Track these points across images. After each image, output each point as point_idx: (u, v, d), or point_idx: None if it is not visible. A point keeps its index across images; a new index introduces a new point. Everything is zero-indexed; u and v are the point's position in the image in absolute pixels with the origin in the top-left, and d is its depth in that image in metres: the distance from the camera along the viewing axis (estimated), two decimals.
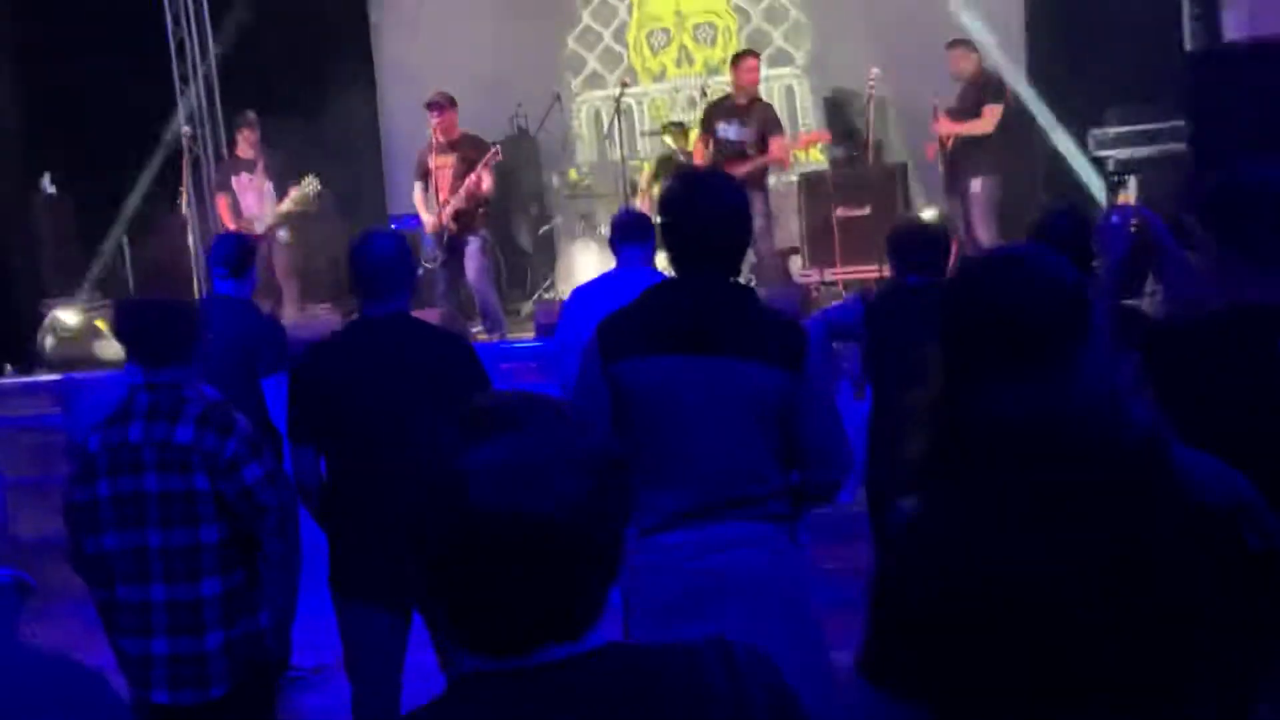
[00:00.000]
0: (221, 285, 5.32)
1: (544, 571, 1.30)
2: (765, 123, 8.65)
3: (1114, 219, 3.20)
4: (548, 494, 1.29)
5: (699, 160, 8.80)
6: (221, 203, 9.41)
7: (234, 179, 9.37)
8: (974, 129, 8.64)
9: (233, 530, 3.41)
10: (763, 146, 8.57)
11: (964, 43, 8.87)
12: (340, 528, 3.87)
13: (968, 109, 8.75)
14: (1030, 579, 1.62)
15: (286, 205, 9.10)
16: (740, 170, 8.05)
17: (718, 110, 8.83)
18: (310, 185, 9.02)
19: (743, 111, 8.66)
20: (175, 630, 3.38)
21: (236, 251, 5.34)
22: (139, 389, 3.45)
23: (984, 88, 8.73)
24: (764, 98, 9.21)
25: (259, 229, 9.03)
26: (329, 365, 3.86)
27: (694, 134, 9.21)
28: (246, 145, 9.35)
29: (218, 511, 3.37)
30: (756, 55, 9.03)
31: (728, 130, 8.62)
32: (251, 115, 9.37)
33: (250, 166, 9.32)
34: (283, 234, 9.32)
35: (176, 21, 11.71)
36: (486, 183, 8.57)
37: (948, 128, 8.77)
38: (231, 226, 9.05)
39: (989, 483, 1.69)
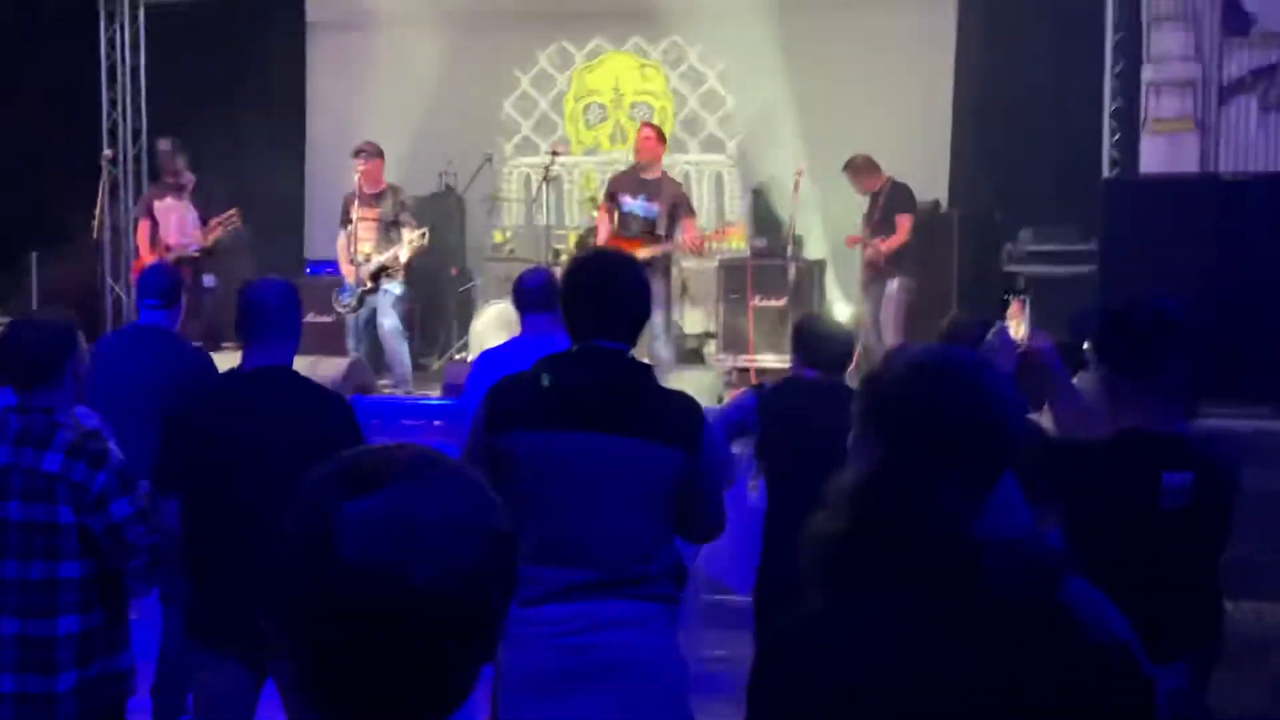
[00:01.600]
0: (150, 315, 5.20)
1: (414, 641, 1.17)
2: (675, 200, 8.43)
3: (1000, 336, 3.23)
4: (428, 556, 1.16)
5: (602, 230, 8.57)
6: (141, 228, 9.10)
7: (157, 203, 9.05)
8: (894, 244, 8.77)
9: (96, 567, 3.29)
10: (671, 224, 8.39)
11: (863, 159, 8.95)
12: (198, 577, 3.73)
13: (880, 221, 8.88)
14: (920, 703, 1.58)
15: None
16: (649, 251, 7.93)
17: (623, 181, 8.54)
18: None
19: (650, 186, 8.40)
20: (23, 667, 3.24)
21: (169, 281, 5.26)
22: (9, 411, 3.34)
23: (892, 198, 8.87)
24: (677, 180, 9.15)
25: (181, 255, 8.71)
26: (201, 413, 3.74)
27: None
28: (171, 170, 9.02)
29: (81, 547, 3.25)
30: (654, 127, 8.86)
31: (633, 204, 8.35)
32: (175, 140, 9.19)
33: (176, 192, 8.98)
34: (209, 279, 8.91)
35: (111, 44, 11.64)
36: (404, 257, 8.54)
37: (878, 248, 8.82)
38: (146, 253, 8.84)
39: (892, 593, 1.65)
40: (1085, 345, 3.53)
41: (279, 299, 3.76)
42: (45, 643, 3.24)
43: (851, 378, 4.62)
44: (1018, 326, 3.30)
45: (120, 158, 11.40)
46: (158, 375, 4.76)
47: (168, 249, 8.79)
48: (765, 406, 4.52)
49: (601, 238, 8.57)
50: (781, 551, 4.27)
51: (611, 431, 3.02)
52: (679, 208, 8.46)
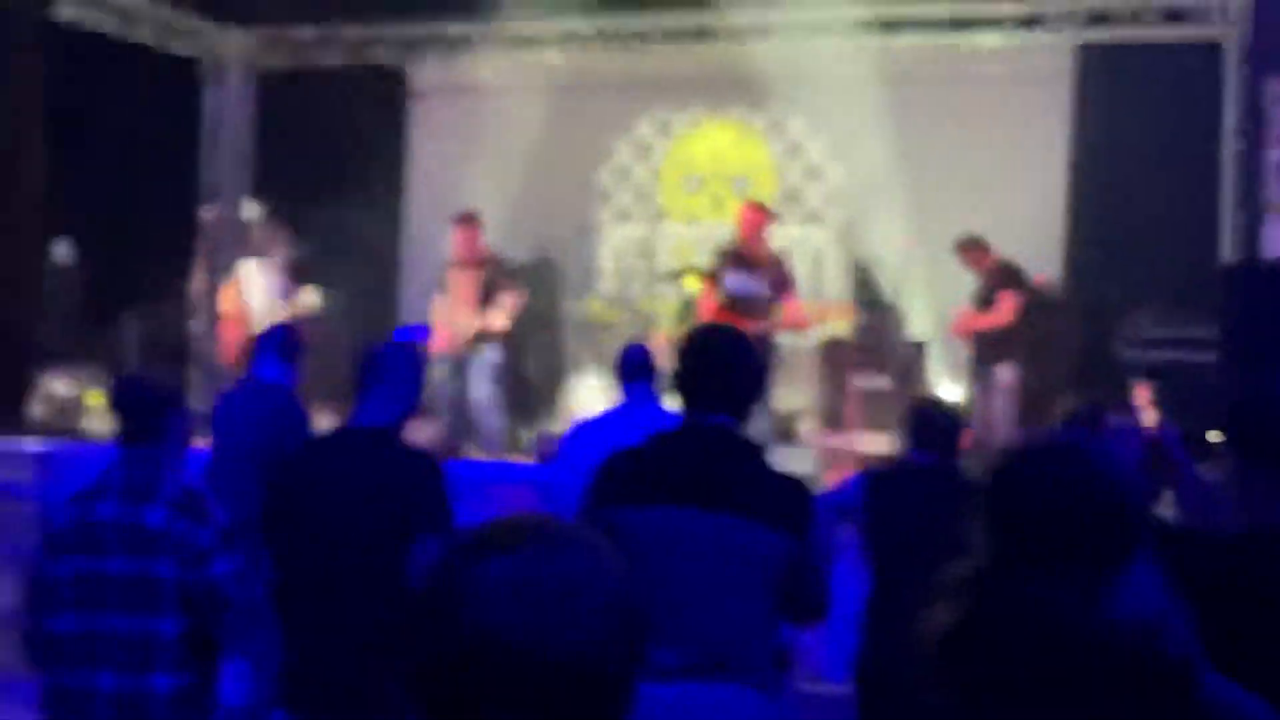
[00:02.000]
0: (267, 371, 5.49)
1: (546, 706, 1.15)
2: (777, 276, 8.31)
3: (1123, 423, 3.11)
4: (559, 622, 1.15)
5: (707, 306, 8.44)
6: (229, 290, 9.19)
7: (244, 267, 9.17)
8: (993, 321, 8.61)
9: (193, 624, 3.27)
10: (774, 300, 8.26)
11: (972, 240, 8.83)
12: (287, 636, 3.74)
13: (986, 301, 8.73)
14: None
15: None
16: (753, 328, 7.66)
17: (726, 259, 8.40)
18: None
19: (753, 263, 8.29)
20: None
21: (290, 340, 5.61)
22: (116, 466, 3.37)
23: (1001, 278, 8.71)
24: (780, 254, 8.96)
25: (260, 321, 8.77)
26: (300, 470, 3.85)
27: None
28: (263, 236, 9.18)
29: (180, 602, 3.24)
30: (758, 204, 8.73)
31: (736, 282, 8.24)
32: (267, 207, 9.30)
33: (263, 257, 9.10)
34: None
35: (214, 107, 11.83)
36: (498, 324, 8.48)
37: (966, 323, 8.78)
38: (230, 315, 8.95)
39: (1007, 683, 1.62)
40: (1211, 434, 3.42)
41: (394, 359, 3.87)
42: (140, 698, 3.24)
43: (965, 464, 4.50)
44: (1143, 413, 3.19)
45: (219, 220, 11.53)
46: (271, 431, 5.04)
47: (250, 313, 8.82)
48: (873, 490, 4.45)
49: (707, 311, 8.45)
50: (885, 640, 4.20)
51: (720, 511, 3.01)
52: (782, 284, 8.34)
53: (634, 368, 4.93)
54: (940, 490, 4.23)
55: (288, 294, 8.95)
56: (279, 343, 5.55)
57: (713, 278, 8.46)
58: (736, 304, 8.19)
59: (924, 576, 4.09)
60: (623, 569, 1.25)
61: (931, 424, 4.54)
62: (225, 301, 9.15)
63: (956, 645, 1.71)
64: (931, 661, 1.73)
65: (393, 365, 3.82)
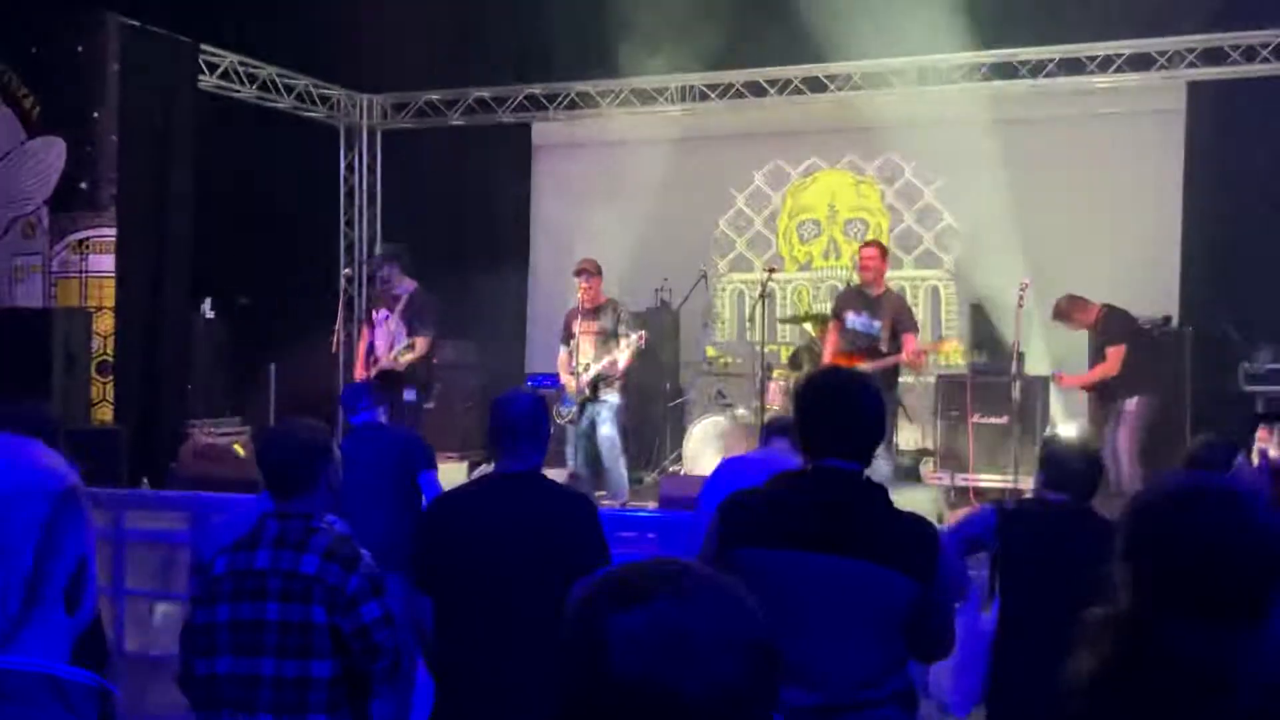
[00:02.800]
0: (364, 416, 5.95)
1: None
2: (897, 315, 8.51)
3: (1251, 462, 3.08)
4: (697, 669, 1.18)
5: (828, 348, 8.70)
6: (363, 339, 9.25)
7: (375, 314, 9.14)
8: (1099, 375, 8.64)
9: (344, 668, 3.38)
10: (894, 340, 8.42)
11: (1066, 301, 8.81)
12: (445, 680, 3.81)
13: (1095, 353, 8.77)
14: None
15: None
16: (872, 366, 8.01)
17: (847, 299, 8.75)
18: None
19: (873, 302, 8.52)
20: None
21: (362, 391, 6.15)
22: (269, 516, 3.48)
23: (1105, 332, 8.69)
24: (899, 294, 9.17)
25: (383, 368, 8.77)
26: (457, 515, 3.89)
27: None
28: (389, 283, 9.06)
29: (333, 646, 3.34)
30: (878, 244, 8.91)
31: (856, 321, 8.49)
32: (387, 249, 9.39)
33: (390, 303, 9.01)
34: (409, 394, 8.83)
35: (349, 168, 12.35)
36: (623, 362, 8.69)
37: (1073, 382, 8.82)
38: (360, 365, 9.04)
39: None
40: None
41: (532, 409, 3.92)
42: None
43: (1100, 504, 4.45)
44: (1271, 449, 3.16)
45: (356, 275, 11.99)
46: (391, 450, 5.59)
47: (376, 361, 8.90)
48: (1006, 527, 4.36)
49: (828, 353, 8.69)
50: (1013, 679, 4.15)
51: (845, 554, 2.99)
52: (901, 323, 8.49)
53: (783, 428, 4.94)
54: (1075, 530, 4.19)
55: (399, 340, 8.84)
56: (354, 398, 6.05)
57: (837, 317, 8.69)
58: (857, 342, 8.43)
59: (1055, 616, 4.10)
60: (758, 612, 1.27)
61: (1066, 464, 4.43)
62: (360, 354, 9.38)
63: (1100, 692, 1.66)
64: (1072, 706, 1.70)
65: (526, 415, 3.88)
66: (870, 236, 11.25)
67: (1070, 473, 4.39)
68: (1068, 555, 4.17)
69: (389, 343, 8.87)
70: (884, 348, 8.38)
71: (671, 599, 1.21)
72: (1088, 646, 1.70)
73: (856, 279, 8.93)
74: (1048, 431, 7.78)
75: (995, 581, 4.31)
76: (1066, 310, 8.77)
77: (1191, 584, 1.65)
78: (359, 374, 9.12)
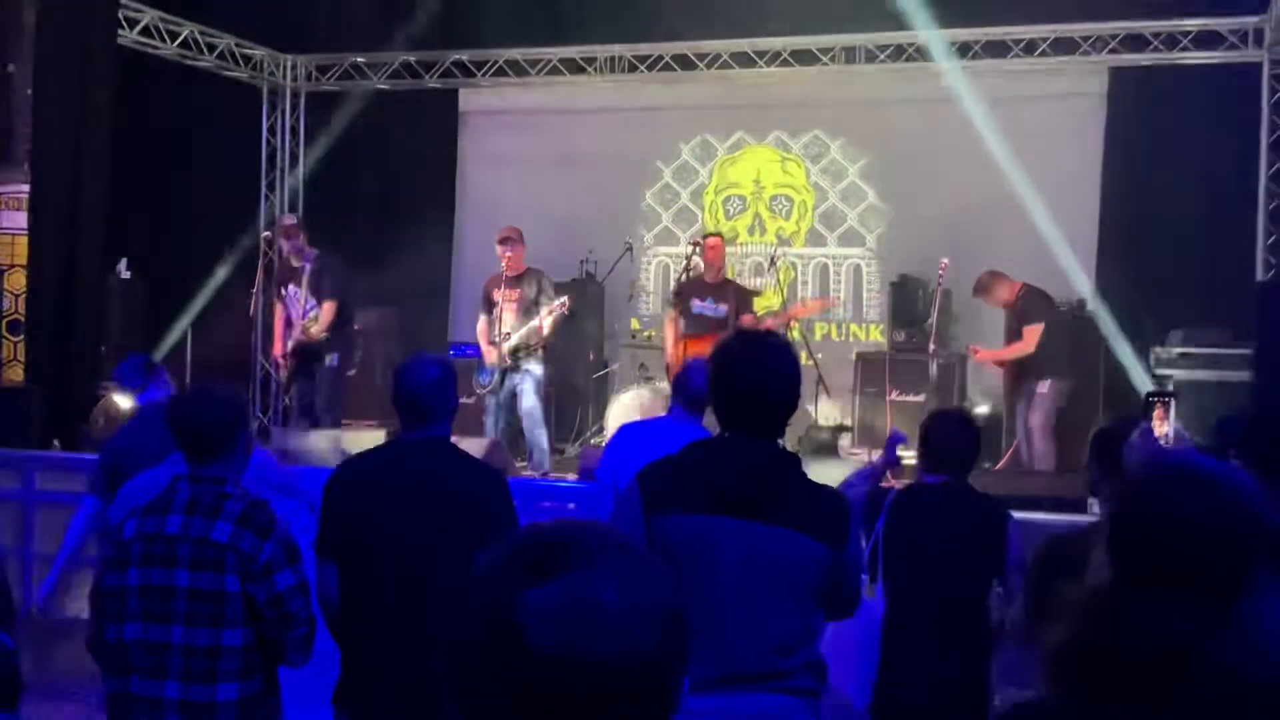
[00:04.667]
0: (148, 394, 5.51)
1: None
2: (739, 299, 8.99)
3: (1140, 439, 3.14)
4: (611, 640, 1.17)
5: (670, 329, 9.11)
6: (278, 322, 9.18)
7: (284, 291, 9.10)
8: (1015, 352, 8.79)
9: (257, 636, 3.35)
10: (736, 322, 8.80)
11: (988, 275, 8.93)
12: (351, 647, 3.77)
13: (1013, 332, 8.90)
14: None
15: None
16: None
17: (691, 288, 9.19)
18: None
19: (715, 289, 9.02)
20: None
21: (137, 367, 5.69)
22: (181, 479, 3.43)
23: (1023, 311, 8.84)
24: (737, 280, 9.65)
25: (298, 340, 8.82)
26: (359, 482, 3.83)
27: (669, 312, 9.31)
28: (291, 251, 8.96)
29: (245, 615, 3.31)
30: (720, 235, 9.40)
31: (703, 307, 8.97)
32: (291, 219, 9.23)
33: (296, 277, 8.97)
34: (332, 359, 8.95)
35: (271, 130, 12.15)
36: (546, 328, 8.70)
37: (989, 355, 8.96)
38: (279, 346, 9.03)
39: (1124, 707, 1.58)
40: (1230, 450, 3.42)
41: (435, 375, 3.83)
42: (206, 708, 3.30)
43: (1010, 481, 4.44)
44: (1161, 429, 3.23)
45: (275, 238, 11.82)
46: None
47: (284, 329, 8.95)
48: (884, 512, 4.32)
49: (670, 341, 9.08)
50: (901, 666, 4.18)
51: (763, 520, 2.98)
52: (743, 305, 9.02)
53: (689, 389, 4.81)
54: (955, 511, 4.25)
55: (309, 310, 8.90)
56: (124, 371, 5.71)
57: (681, 302, 9.11)
58: (703, 325, 8.88)
59: (942, 599, 4.16)
60: (671, 580, 1.26)
61: (943, 444, 4.41)
62: (276, 323, 9.25)
63: (1068, 664, 1.66)
64: (1045, 677, 1.69)
65: (432, 382, 3.81)
66: (795, 213, 11.35)
67: (947, 452, 4.40)
68: (949, 538, 4.23)
69: (301, 315, 8.87)
70: (725, 326, 8.72)
71: (584, 569, 1.20)
72: (1062, 620, 1.71)
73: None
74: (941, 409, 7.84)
75: (877, 566, 4.27)
76: (987, 285, 8.90)
77: (1164, 560, 1.67)
78: (277, 350, 9.15)
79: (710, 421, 5.02)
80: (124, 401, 9.24)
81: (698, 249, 9.64)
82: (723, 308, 8.89)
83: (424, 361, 3.96)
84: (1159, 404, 3.42)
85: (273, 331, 9.32)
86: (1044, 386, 8.68)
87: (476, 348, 9.24)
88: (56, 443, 8.98)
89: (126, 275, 10.43)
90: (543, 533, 1.26)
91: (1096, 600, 1.69)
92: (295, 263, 8.96)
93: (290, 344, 8.87)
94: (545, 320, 8.67)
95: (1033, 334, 8.70)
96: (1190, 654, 1.56)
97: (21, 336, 9.49)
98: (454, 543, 3.46)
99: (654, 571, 1.25)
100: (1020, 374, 8.88)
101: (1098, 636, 1.64)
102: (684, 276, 9.59)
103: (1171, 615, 1.60)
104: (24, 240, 9.46)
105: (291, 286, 9.00)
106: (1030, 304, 8.84)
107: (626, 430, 5.22)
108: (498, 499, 3.74)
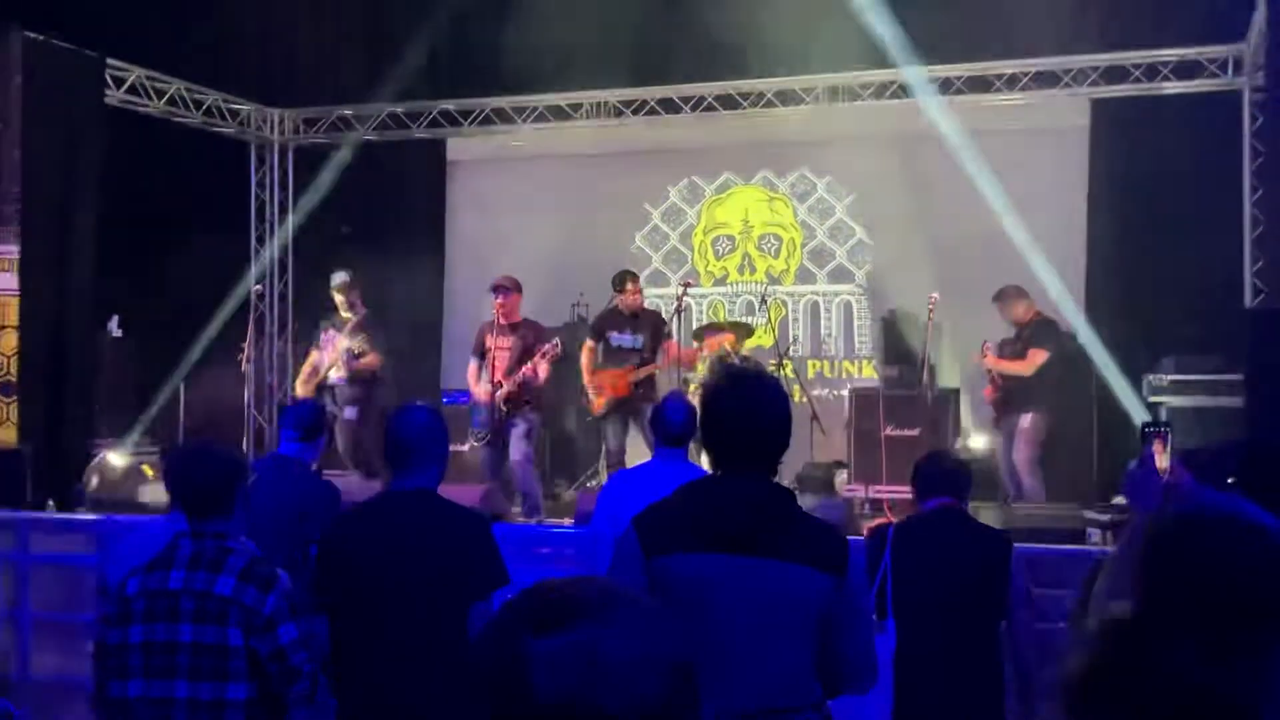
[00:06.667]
0: (288, 447, 5.33)
1: None
2: (655, 328, 9.27)
3: (1142, 470, 3.13)
4: (618, 692, 1.18)
5: (586, 359, 9.32)
6: (308, 365, 9.41)
7: (323, 336, 9.37)
8: (1015, 369, 8.80)
9: (261, 690, 3.35)
10: (654, 350, 9.14)
11: (1014, 289, 9.00)
12: (344, 698, 3.79)
13: (1016, 349, 8.89)
14: None
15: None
16: (637, 374, 9.00)
17: (608, 321, 9.43)
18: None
19: (632, 321, 9.26)
20: None
21: (311, 417, 5.40)
22: (183, 536, 3.44)
23: (1033, 333, 8.86)
24: (655, 310, 9.84)
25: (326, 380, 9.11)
26: (348, 536, 3.88)
27: (588, 343, 9.42)
28: (345, 306, 9.34)
29: (249, 669, 3.32)
30: (636, 277, 9.51)
31: (621, 339, 9.23)
32: (345, 276, 9.49)
33: (339, 327, 9.31)
34: (350, 412, 9.20)
35: (260, 184, 12.19)
36: (543, 373, 8.70)
37: (992, 362, 8.95)
38: (302, 387, 9.25)
39: None
40: (1229, 480, 3.42)
41: (423, 425, 3.88)
42: None
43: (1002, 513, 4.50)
44: (1162, 462, 3.21)
45: (267, 293, 11.85)
46: (274, 502, 4.82)
47: (320, 379, 9.17)
48: (890, 547, 4.36)
49: (587, 371, 9.30)
50: (916, 694, 4.20)
51: (763, 555, 2.97)
52: (659, 333, 9.24)
53: (674, 430, 4.83)
54: (953, 535, 4.30)
55: (356, 357, 9.14)
56: (299, 420, 5.36)
57: (599, 336, 9.36)
58: (623, 356, 9.17)
59: (949, 624, 4.17)
60: (675, 628, 1.27)
61: (934, 471, 4.52)
62: (305, 371, 9.42)
63: (1085, 696, 1.63)
64: (1061, 706, 1.66)
65: (421, 432, 3.85)
66: (783, 251, 11.40)
67: (940, 474, 4.45)
68: (955, 562, 4.25)
69: (335, 362, 9.16)
70: (647, 356, 9.13)
71: (591, 621, 1.21)
72: (1083, 650, 1.68)
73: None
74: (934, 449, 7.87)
75: (885, 602, 4.29)
76: (1011, 297, 8.94)
77: (1205, 602, 1.65)
78: (300, 391, 9.36)
79: (693, 454, 5.10)
80: (117, 460, 9.26)
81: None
82: (640, 337, 9.19)
83: (413, 411, 4.00)
84: (1157, 436, 3.41)
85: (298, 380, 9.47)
86: (1026, 420, 8.70)
87: (468, 394, 9.23)
88: (52, 504, 8.94)
89: (118, 333, 10.44)
90: (551, 587, 1.27)
91: (1119, 633, 1.67)
92: (345, 314, 9.32)
93: (312, 386, 9.18)
94: (539, 364, 8.67)
95: (1036, 357, 8.73)
96: (1215, 699, 1.54)
97: (14, 398, 9.46)
98: (437, 594, 3.54)
99: (662, 624, 1.26)
100: (1006, 404, 8.88)
101: (1119, 671, 1.61)
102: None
103: (1203, 658, 1.57)
104: (14, 301, 9.44)
105: (331, 331, 9.30)
106: (1043, 330, 8.89)
107: (618, 478, 5.27)
108: (480, 546, 3.77)
